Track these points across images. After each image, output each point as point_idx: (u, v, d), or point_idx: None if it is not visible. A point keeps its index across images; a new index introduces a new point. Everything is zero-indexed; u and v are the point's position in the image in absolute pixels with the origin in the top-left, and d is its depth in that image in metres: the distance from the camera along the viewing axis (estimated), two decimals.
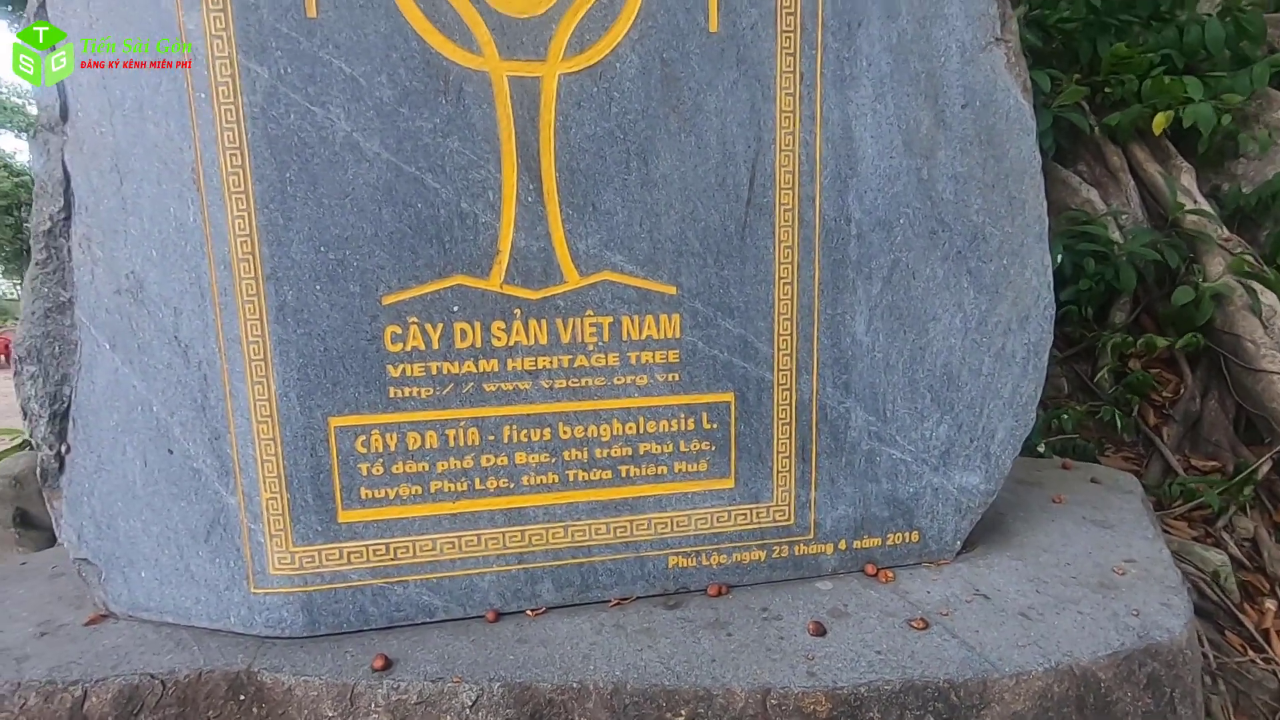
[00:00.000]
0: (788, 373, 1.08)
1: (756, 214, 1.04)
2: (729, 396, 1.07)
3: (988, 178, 1.10)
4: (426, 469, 1.02)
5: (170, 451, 0.99)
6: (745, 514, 1.10)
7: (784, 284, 1.06)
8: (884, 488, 1.14)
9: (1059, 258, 2.71)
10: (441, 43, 0.93)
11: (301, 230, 0.93)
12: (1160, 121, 2.86)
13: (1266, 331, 2.43)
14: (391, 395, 0.99)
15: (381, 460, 1.00)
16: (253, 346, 0.95)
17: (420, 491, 1.02)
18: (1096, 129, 2.99)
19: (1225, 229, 2.78)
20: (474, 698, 0.88)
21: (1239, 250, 2.71)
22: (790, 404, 1.09)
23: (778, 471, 1.10)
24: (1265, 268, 2.66)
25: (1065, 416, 2.47)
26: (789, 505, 1.12)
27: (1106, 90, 3.05)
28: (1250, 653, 2.00)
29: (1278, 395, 2.29)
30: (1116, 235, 2.78)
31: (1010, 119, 1.10)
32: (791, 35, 1.01)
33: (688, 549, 1.10)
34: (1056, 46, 3.18)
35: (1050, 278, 1.15)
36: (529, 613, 1.07)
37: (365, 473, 1.00)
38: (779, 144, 1.02)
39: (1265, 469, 2.27)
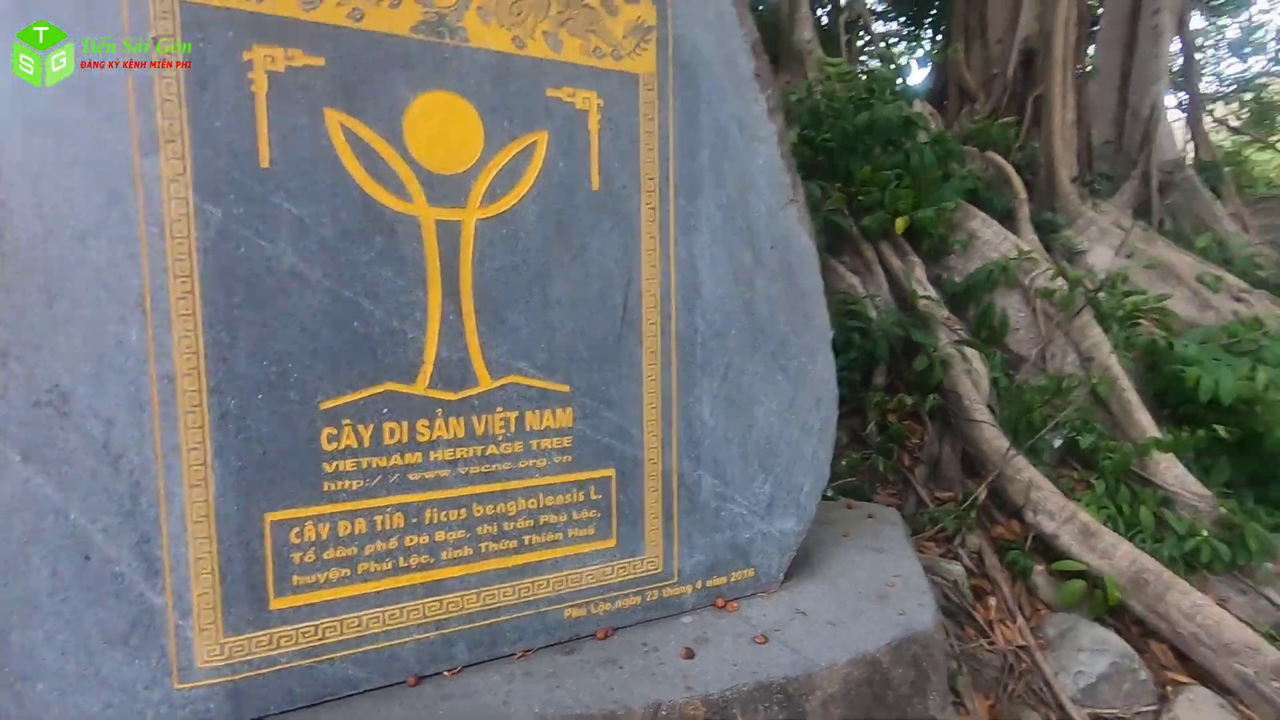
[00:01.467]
0: (655, 450, 1.37)
1: (629, 328, 1.33)
2: (610, 472, 1.33)
3: (789, 300, 1.51)
4: (355, 552, 1.15)
5: (87, 558, 1.02)
6: (625, 567, 1.36)
7: (650, 381, 1.36)
8: (727, 536, 1.47)
9: (832, 333, 3.36)
10: (379, 191, 1.12)
11: (246, 347, 1.05)
12: (901, 224, 3.69)
13: (976, 390, 3.22)
14: (325, 489, 1.12)
15: (314, 548, 1.12)
16: (193, 453, 1.03)
17: (349, 574, 1.14)
18: (855, 229, 3.77)
19: (946, 309, 3.63)
20: None
21: (956, 326, 3.54)
22: (657, 475, 1.38)
23: (649, 530, 1.38)
24: (974, 338, 3.52)
25: (845, 464, 3.04)
26: (658, 557, 1.39)
27: (860, 198, 3.85)
28: (981, 640, 2.61)
29: (987, 439, 3.04)
30: (873, 314, 3.49)
31: (803, 257, 1.52)
32: (653, 195, 1.34)
33: (580, 601, 1.32)
34: (822, 161, 3.95)
35: (834, 370, 1.58)
36: (446, 673, 1.22)
37: (298, 561, 1.11)
38: (644, 275, 1.34)
39: (983, 496, 2.98)
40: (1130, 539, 2.80)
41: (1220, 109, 14.62)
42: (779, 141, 1.48)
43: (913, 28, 10.32)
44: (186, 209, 1.00)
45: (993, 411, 3.29)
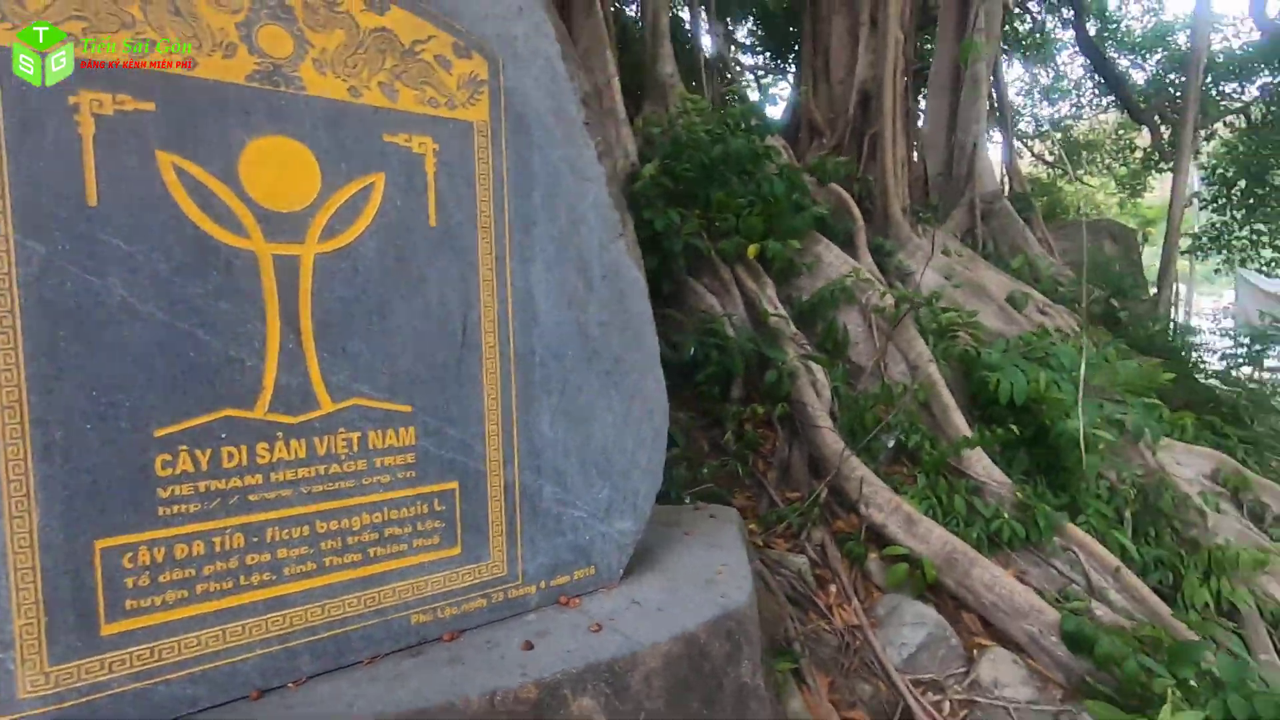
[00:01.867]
0: (497, 463, 1.49)
1: (470, 351, 1.45)
2: (454, 485, 1.45)
3: (621, 323, 1.69)
4: (193, 574, 1.19)
5: None
6: (470, 573, 1.47)
7: (491, 399, 1.48)
8: (569, 539, 1.61)
9: (693, 349, 3.62)
10: (214, 228, 1.19)
11: (73, 380, 1.08)
12: (753, 250, 4.01)
13: (819, 398, 3.57)
14: (160, 514, 1.15)
15: (149, 572, 1.15)
16: (14, 485, 1.04)
17: (187, 594, 1.18)
18: (713, 252, 4.06)
19: (793, 326, 3.99)
20: None
21: (803, 341, 3.90)
22: (500, 486, 1.50)
23: (493, 537, 1.50)
24: (818, 352, 3.88)
25: (705, 471, 3.28)
26: (502, 561, 1.51)
27: (717, 224, 4.15)
28: (822, 622, 2.89)
29: (826, 443, 3.37)
30: (730, 331, 3.78)
31: (633, 285, 1.71)
32: (489, 230, 1.47)
33: (426, 607, 1.42)
34: (683, 189, 4.23)
35: (664, 385, 1.77)
36: (291, 685, 1.27)
37: (131, 585, 1.14)
38: (483, 302, 1.47)
39: (824, 494, 3.30)
40: (945, 524, 3.21)
41: (1038, 146, 16.70)
42: (607, 182, 1.66)
43: (779, 62, 11.12)
44: (6, 245, 1.03)
45: (834, 418, 3.66)
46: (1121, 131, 15.49)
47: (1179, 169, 8.00)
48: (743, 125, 4.64)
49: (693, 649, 1.45)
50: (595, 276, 1.64)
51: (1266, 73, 13.32)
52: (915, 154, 5.72)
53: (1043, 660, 2.82)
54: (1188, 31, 14.82)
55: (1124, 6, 14.77)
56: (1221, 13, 13.66)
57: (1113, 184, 16.67)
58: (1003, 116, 8.66)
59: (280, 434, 1.26)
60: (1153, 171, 15.40)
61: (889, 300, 4.08)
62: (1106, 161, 16.00)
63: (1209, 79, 13.77)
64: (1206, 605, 3.69)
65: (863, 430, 3.53)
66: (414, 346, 1.39)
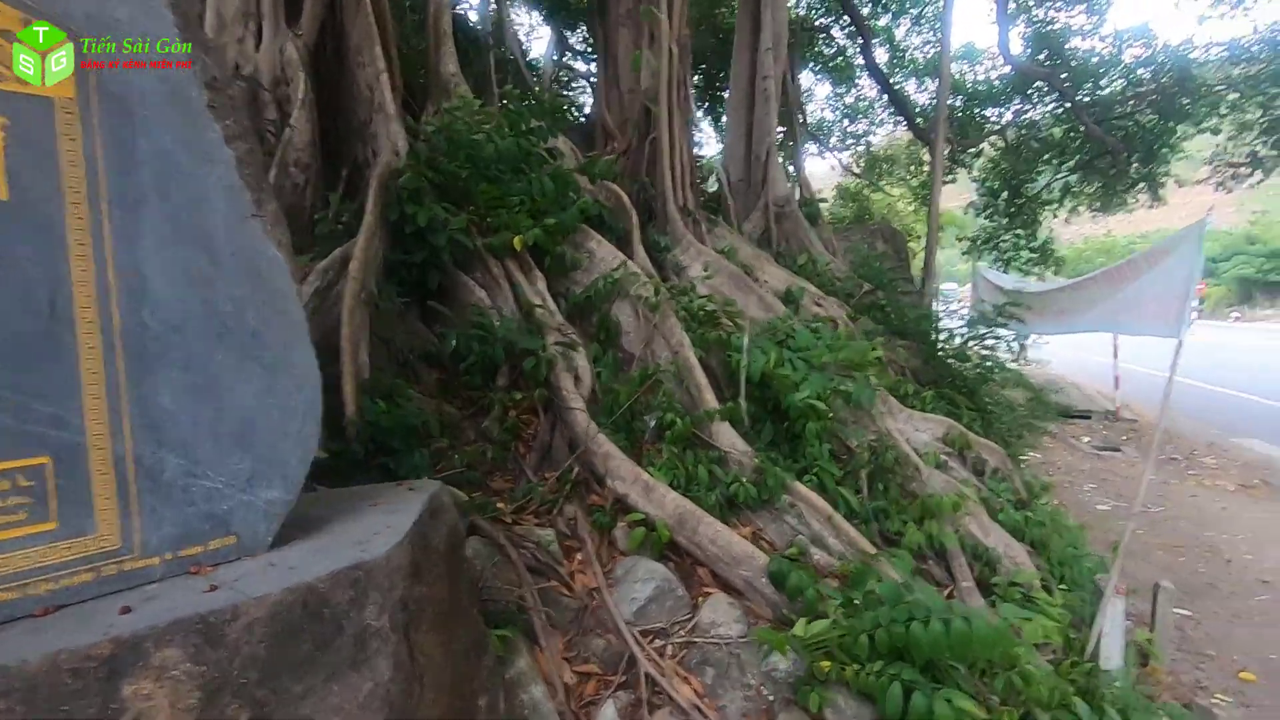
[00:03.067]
0: (101, 436, 1.51)
1: (60, 326, 1.46)
2: (45, 459, 1.45)
3: (259, 298, 1.75)
4: None
5: None
6: (71, 547, 1.47)
7: (91, 374, 1.50)
8: (202, 509, 1.65)
9: (453, 342, 3.71)
10: None
11: None
12: (518, 243, 4.17)
13: (575, 383, 3.78)
14: None
15: None
16: None
17: None
18: (480, 247, 4.18)
19: (560, 317, 4.18)
20: None
21: (569, 332, 4.09)
22: (107, 459, 1.52)
23: (100, 510, 1.51)
24: (592, 341, 4.09)
25: (458, 456, 3.38)
26: (115, 534, 1.53)
27: (488, 220, 4.28)
28: (561, 587, 3.07)
29: (579, 423, 3.58)
30: (497, 323, 3.91)
31: (272, 264, 1.78)
32: (80, 206, 1.49)
33: (13, 584, 1.41)
34: (456, 186, 4.32)
35: (313, 357, 1.85)
36: None
37: None
38: (76, 278, 1.48)
39: (575, 471, 3.50)
40: (687, 491, 3.51)
41: (846, 158, 18.44)
42: (238, 165, 1.73)
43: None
44: None
45: (597, 401, 3.88)
46: (912, 147, 17.51)
47: (934, 181, 9.20)
48: (523, 126, 4.82)
49: (310, 597, 1.54)
50: (224, 255, 1.70)
51: (1019, 100, 15.64)
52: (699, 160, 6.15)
53: (756, 600, 3.17)
54: (963, 61, 17.07)
55: (910, 38, 16.74)
56: (982, 47, 15.81)
57: (909, 193, 18.78)
58: (792, 129, 9.53)
59: None
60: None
61: (652, 292, 4.40)
62: (901, 174, 18.02)
63: (974, 105, 15.96)
64: (920, 545, 4.30)
65: (618, 410, 3.79)
66: None
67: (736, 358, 4.11)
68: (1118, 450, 10.42)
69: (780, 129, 10.12)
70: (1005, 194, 16.53)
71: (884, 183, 19.95)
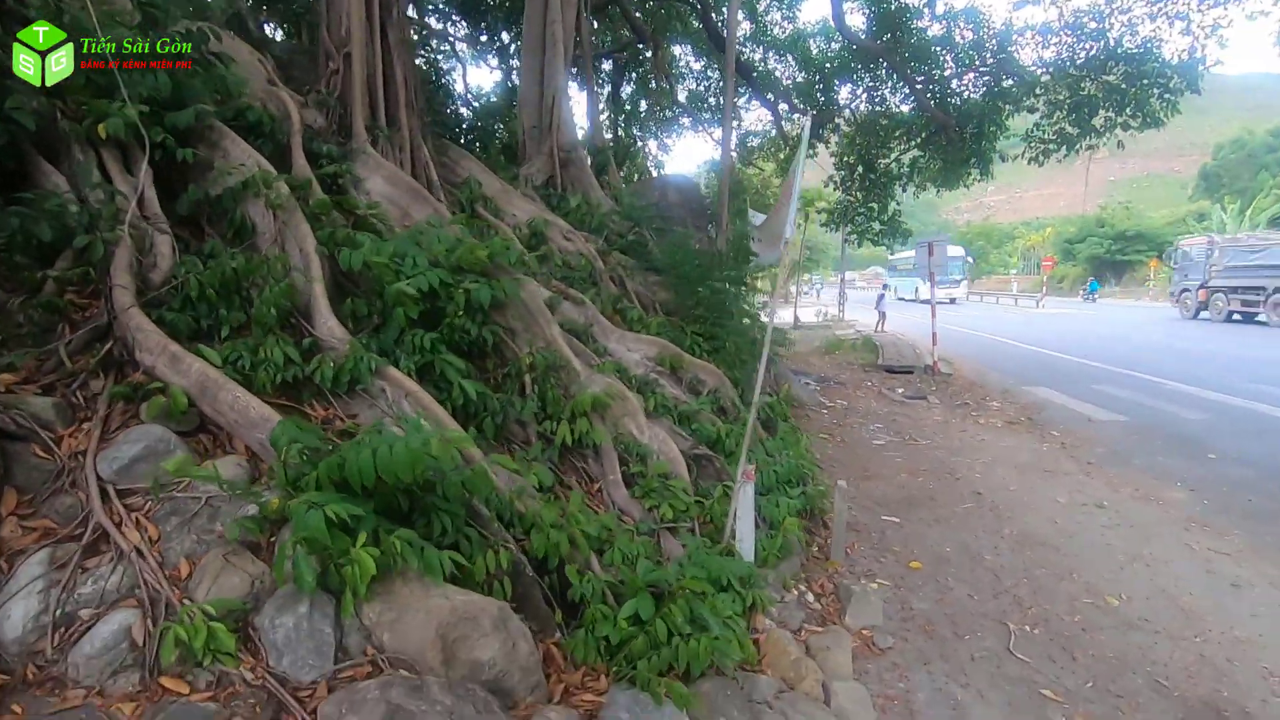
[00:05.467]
0: None
1: None
2: None
3: None
4: None
5: None
6: None
7: None
8: None
9: None
10: None
11: None
12: (102, 130, 3.90)
13: (144, 269, 3.60)
14: None
15: None
16: None
17: None
18: (70, 132, 3.91)
19: (158, 208, 3.97)
20: None
21: (160, 222, 3.81)
22: None
23: None
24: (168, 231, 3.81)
25: None
26: None
27: (84, 106, 3.98)
28: (40, 450, 2.89)
29: (118, 301, 3.41)
30: (74, 210, 3.66)
31: None
32: None
33: None
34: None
35: None
36: None
37: None
38: None
39: (111, 346, 3.32)
40: (252, 370, 3.40)
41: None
42: None
43: None
44: None
45: (167, 288, 3.70)
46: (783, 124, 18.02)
47: (725, 143, 9.38)
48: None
49: None
50: None
51: (869, 78, 16.18)
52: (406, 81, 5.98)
53: (269, 458, 3.09)
54: (820, 37, 17.52)
55: (768, 13, 17.11)
56: (823, 17, 16.23)
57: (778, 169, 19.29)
58: (583, 75, 9.56)
59: None
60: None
61: (283, 194, 4.28)
62: (771, 150, 18.63)
63: (826, 79, 16.44)
64: (570, 441, 4.34)
65: (199, 296, 3.64)
66: None
67: (348, 252, 4.04)
68: (924, 399, 10.89)
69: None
70: (860, 169, 17.12)
71: (755, 159, 20.44)
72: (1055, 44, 13.56)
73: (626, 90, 19.43)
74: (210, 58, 4.85)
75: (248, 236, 4.28)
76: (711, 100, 19.50)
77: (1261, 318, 21.96)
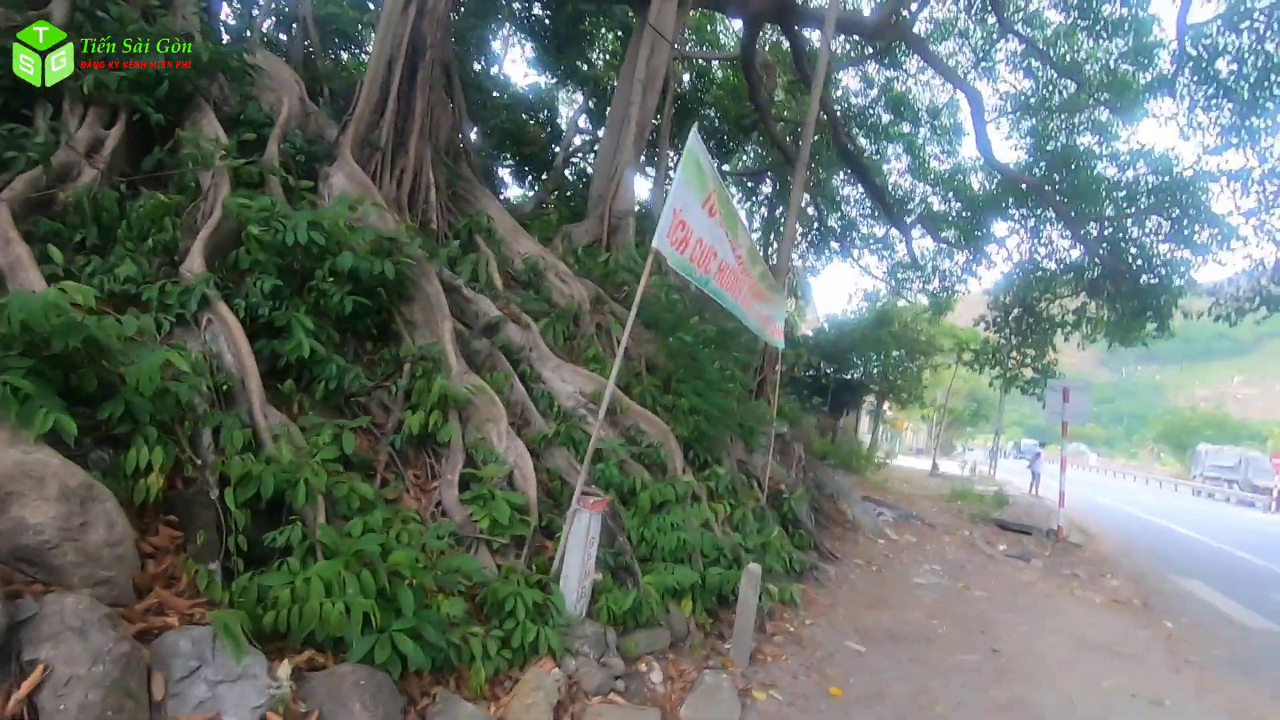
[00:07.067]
0: None
1: None
2: None
3: None
4: None
5: None
6: None
7: None
8: None
9: None
10: None
11: None
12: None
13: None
14: None
15: None
16: None
17: None
18: None
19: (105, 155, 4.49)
20: None
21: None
22: None
23: None
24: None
25: None
26: None
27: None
28: None
29: None
30: None
31: None
32: None
33: None
34: None
35: None
36: None
37: None
38: None
39: None
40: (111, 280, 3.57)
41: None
42: None
43: None
44: None
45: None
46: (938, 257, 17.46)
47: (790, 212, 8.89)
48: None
49: None
50: None
51: (1020, 209, 14.85)
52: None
53: None
54: (972, 171, 16.59)
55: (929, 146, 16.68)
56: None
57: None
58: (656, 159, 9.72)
59: None
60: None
61: (226, 161, 4.64)
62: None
63: (972, 209, 15.32)
64: (417, 433, 4.06)
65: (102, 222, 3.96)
66: None
67: (232, 200, 4.23)
68: (1025, 560, 8.69)
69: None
70: (1016, 310, 15.32)
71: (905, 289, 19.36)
72: (1256, 192, 11.42)
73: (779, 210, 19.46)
74: (249, 70, 5.69)
75: (192, 192, 4.66)
76: (863, 230, 19.03)
77: None
